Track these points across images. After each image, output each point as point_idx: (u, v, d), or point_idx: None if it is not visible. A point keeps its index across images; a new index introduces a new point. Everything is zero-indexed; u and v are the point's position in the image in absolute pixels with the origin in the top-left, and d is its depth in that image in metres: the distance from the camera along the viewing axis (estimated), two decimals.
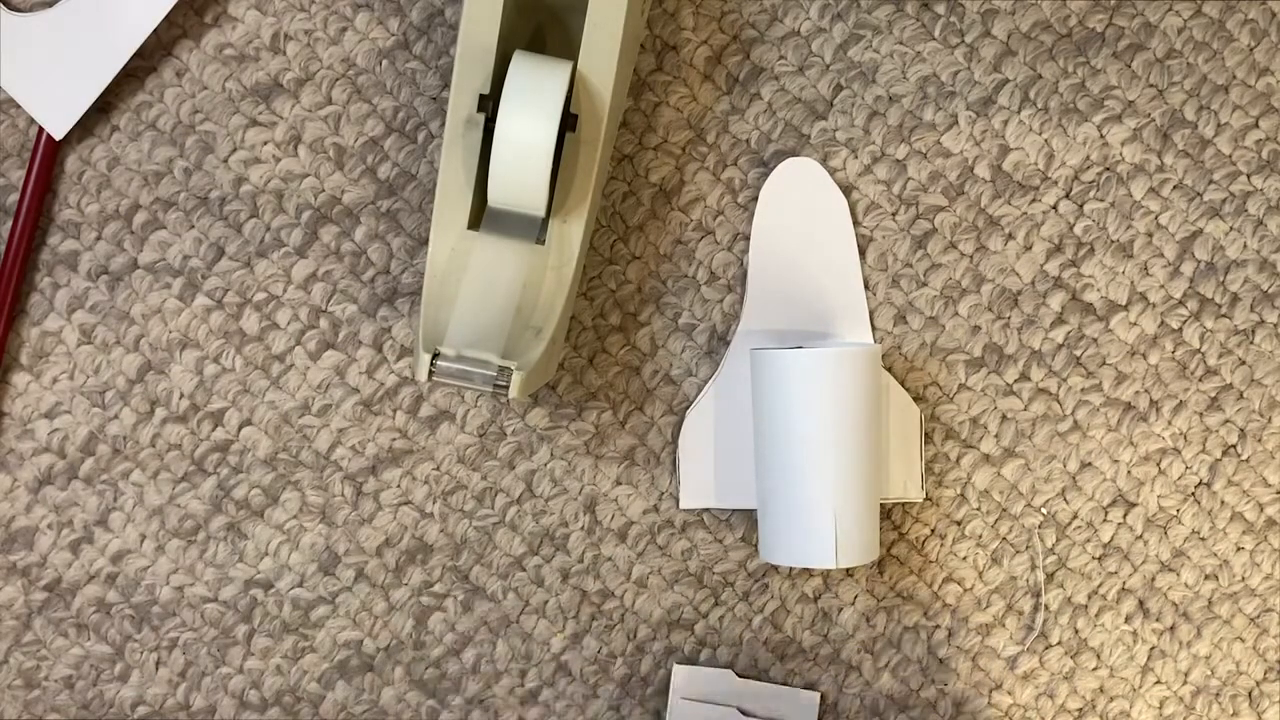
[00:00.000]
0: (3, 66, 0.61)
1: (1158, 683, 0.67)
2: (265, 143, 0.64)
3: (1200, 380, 0.66)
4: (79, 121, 0.63)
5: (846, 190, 0.65)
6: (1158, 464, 0.66)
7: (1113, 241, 0.66)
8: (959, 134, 0.65)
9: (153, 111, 0.63)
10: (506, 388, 0.54)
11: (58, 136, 0.62)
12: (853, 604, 0.66)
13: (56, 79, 0.62)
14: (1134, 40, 0.65)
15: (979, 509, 0.66)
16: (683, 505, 0.65)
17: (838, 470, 0.60)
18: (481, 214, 0.58)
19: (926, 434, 0.66)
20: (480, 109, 0.56)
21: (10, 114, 0.63)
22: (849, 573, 0.66)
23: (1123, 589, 0.67)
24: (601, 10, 0.56)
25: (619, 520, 0.65)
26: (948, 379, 0.66)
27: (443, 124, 0.62)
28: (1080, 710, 0.67)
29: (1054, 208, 0.65)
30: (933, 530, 0.66)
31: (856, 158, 0.65)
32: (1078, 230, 0.65)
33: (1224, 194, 0.66)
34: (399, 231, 0.64)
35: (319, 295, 0.64)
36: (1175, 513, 0.67)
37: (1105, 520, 0.66)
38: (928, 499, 0.66)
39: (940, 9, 0.65)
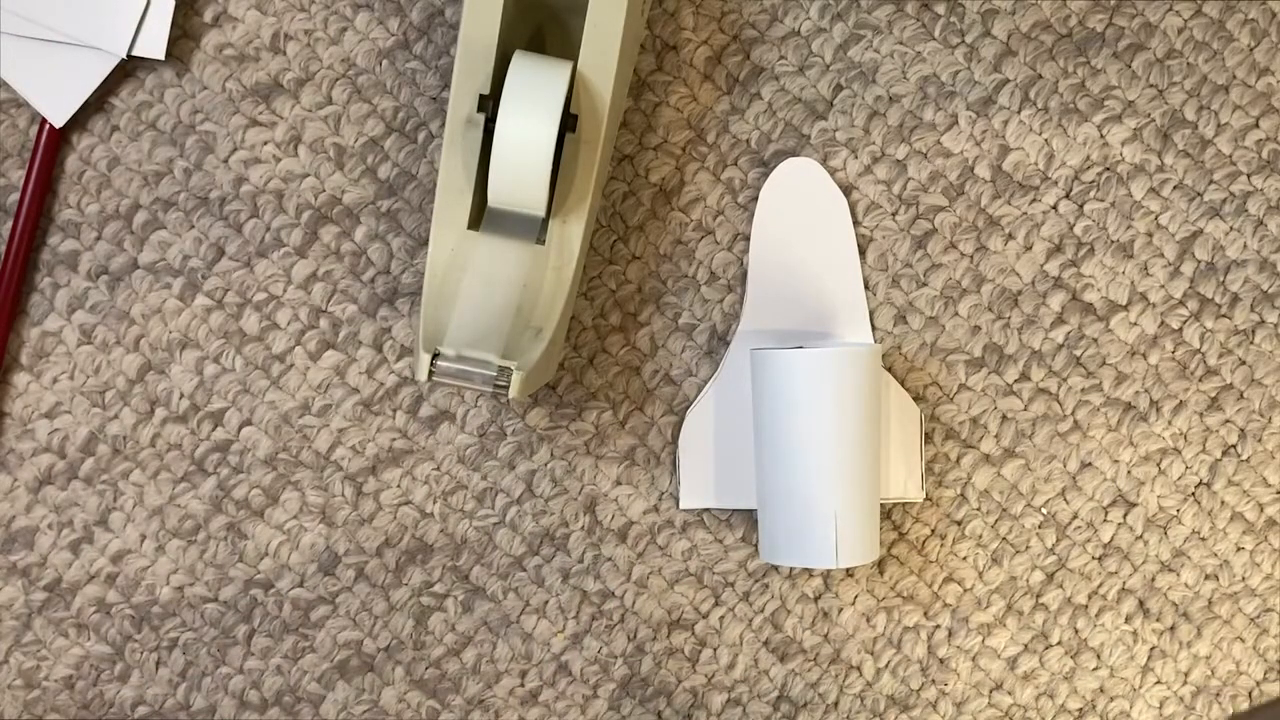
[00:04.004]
0: (2, 54, 0.61)
1: (1158, 683, 0.67)
2: (265, 143, 0.64)
3: (1200, 380, 0.66)
4: (79, 122, 0.63)
5: (846, 190, 0.65)
6: (1158, 464, 0.66)
7: (1113, 241, 0.66)
8: (959, 134, 0.65)
9: (153, 111, 0.63)
10: (506, 388, 0.54)
11: (58, 125, 0.62)
12: (853, 604, 0.66)
13: (56, 66, 0.62)
14: (1134, 40, 0.65)
15: (979, 509, 0.66)
16: (683, 505, 0.65)
17: (838, 470, 0.60)
18: (481, 214, 0.58)
19: (926, 434, 0.66)
20: (480, 109, 0.56)
21: (10, 114, 0.63)
22: (849, 573, 0.66)
23: (1123, 589, 0.67)
24: (601, 10, 0.56)
25: (619, 520, 0.65)
26: (948, 379, 0.66)
27: (443, 124, 0.62)
28: (1080, 710, 0.67)
29: (1054, 208, 0.65)
30: (933, 530, 0.66)
31: (856, 158, 0.65)
32: (1078, 230, 0.65)
33: (1224, 194, 0.66)
34: (399, 231, 0.64)
35: (319, 295, 0.64)
36: (1175, 513, 0.67)
37: (1105, 520, 0.66)
38: (928, 499, 0.66)
39: (940, 9, 0.65)
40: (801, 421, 0.60)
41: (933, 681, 0.66)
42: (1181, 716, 0.67)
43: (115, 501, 0.64)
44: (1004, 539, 0.66)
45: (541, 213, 0.56)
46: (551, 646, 0.66)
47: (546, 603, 0.65)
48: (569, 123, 0.56)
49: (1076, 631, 0.67)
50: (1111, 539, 0.67)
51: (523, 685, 0.66)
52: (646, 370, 0.65)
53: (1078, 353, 0.66)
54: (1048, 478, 0.66)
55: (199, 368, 0.64)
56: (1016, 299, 0.65)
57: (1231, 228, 0.66)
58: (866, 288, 0.65)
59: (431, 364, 0.54)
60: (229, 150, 0.64)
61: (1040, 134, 0.65)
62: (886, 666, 0.66)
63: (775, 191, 0.64)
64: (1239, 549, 0.67)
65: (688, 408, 0.65)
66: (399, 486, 0.65)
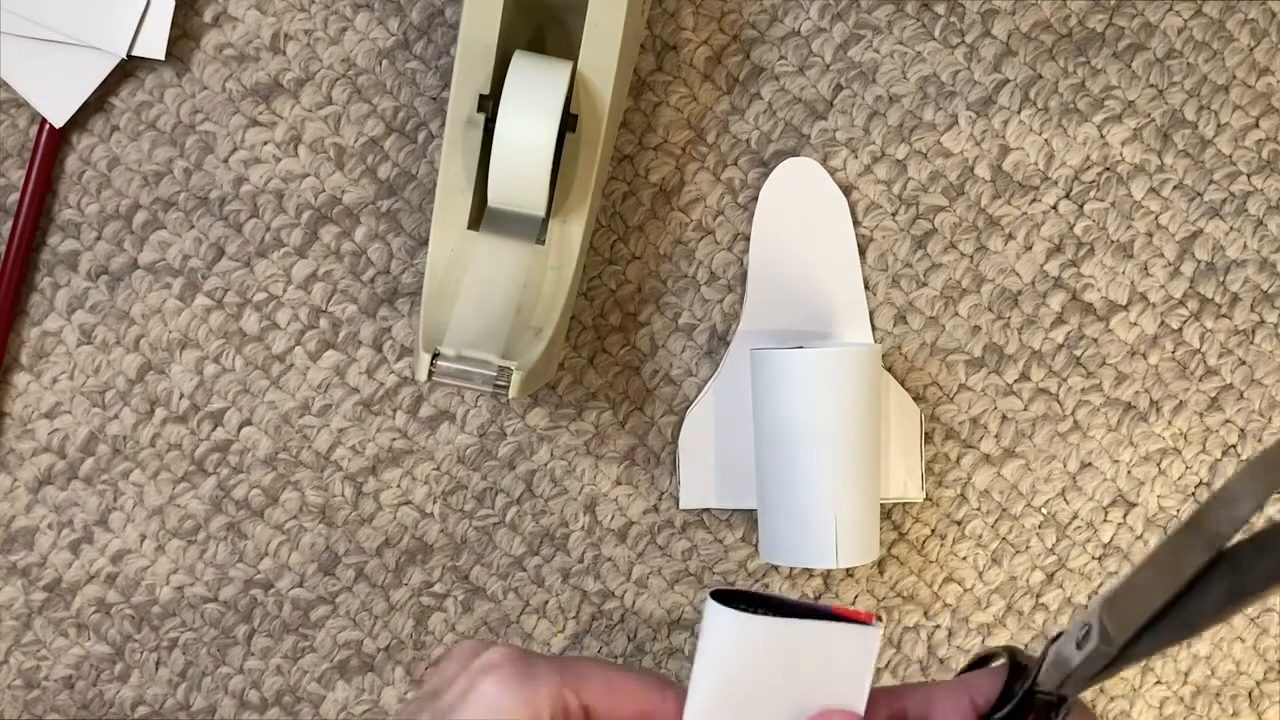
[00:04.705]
0: (2, 54, 0.61)
1: (1158, 683, 0.67)
2: (265, 143, 0.64)
3: (1200, 380, 0.66)
4: (79, 122, 0.63)
5: (846, 190, 0.65)
6: (1158, 464, 0.66)
7: (1113, 241, 0.66)
8: (959, 134, 0.65)
9: (153, 111, 0.63)
10: (506, 388, 0.54)
11: (58, 125, 0.62)
12: (853, 604, 0.66)
13: (56, 66, 0.62)
14: (1134, 40, 0.65)
15: (979, 509, 0.66)
16: (683, 505, 0.65)
17: (838, 470, 0.60)
18: (481, 214, 0.58)
19: (926, 434, 0.66)
20: (480, 109, 0.56)
21: (10, 114, 0.63)
22: (849, 573, 0.66)
23: None
24: (601, 10, 0.56)
25: (619, 520, 0.65)
26: (948, 379, 0.66)
27: (443, 124, 0.61)
28: None
29: (1054, 208, 0.65)
30: (933, 530, 0.66)
31: (856, 158, 0.65)
32: (1078, 230, 0.65)
33: (1224, 194, 0.66)
34: (399, 231, 0.64)
35: (319, 295, 0.64)
36: (1175, 513, 0.67)
37: (1105, 520, 0.66)
38: (928, 499, 0.66)
39: (940, 9, 0.65)
40: (801, 421, 0.60)
41: (933, 681, 0.66)
42: (1181, 716, 0.67)
43: (115, 501, 0.64)
44: (1004, 539, 0.66)
45: (541, 213, 0.56)
46: (551, 646, 0.66)
47: (546, 603, 0.65)
48: (569, 123, 0.56)
49: None
50: (1111, 539, 0.67)
51: None
52: (646, 370, 0.65)
53: (1078, 353, 0.66)
54: (1048, 478, 0.66)
55: (199, 368, 0.64)
56: (1016, 299, 0.65)
57: (1231, 228, 0.66)
58: (866, 288, 0.65)
59: (431, 364, 0.54)
60: (229, 150, 0.64)
61: (1040, 134, 0.65)
62: (886, 666, 0.66)
63: (775, 191, 0.64)
64: None
65: (688, 408, 0.65)
66: (399, 486, 0.65)
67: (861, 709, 0.44)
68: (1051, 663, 0.43)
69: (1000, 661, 0.46)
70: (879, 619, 0.44)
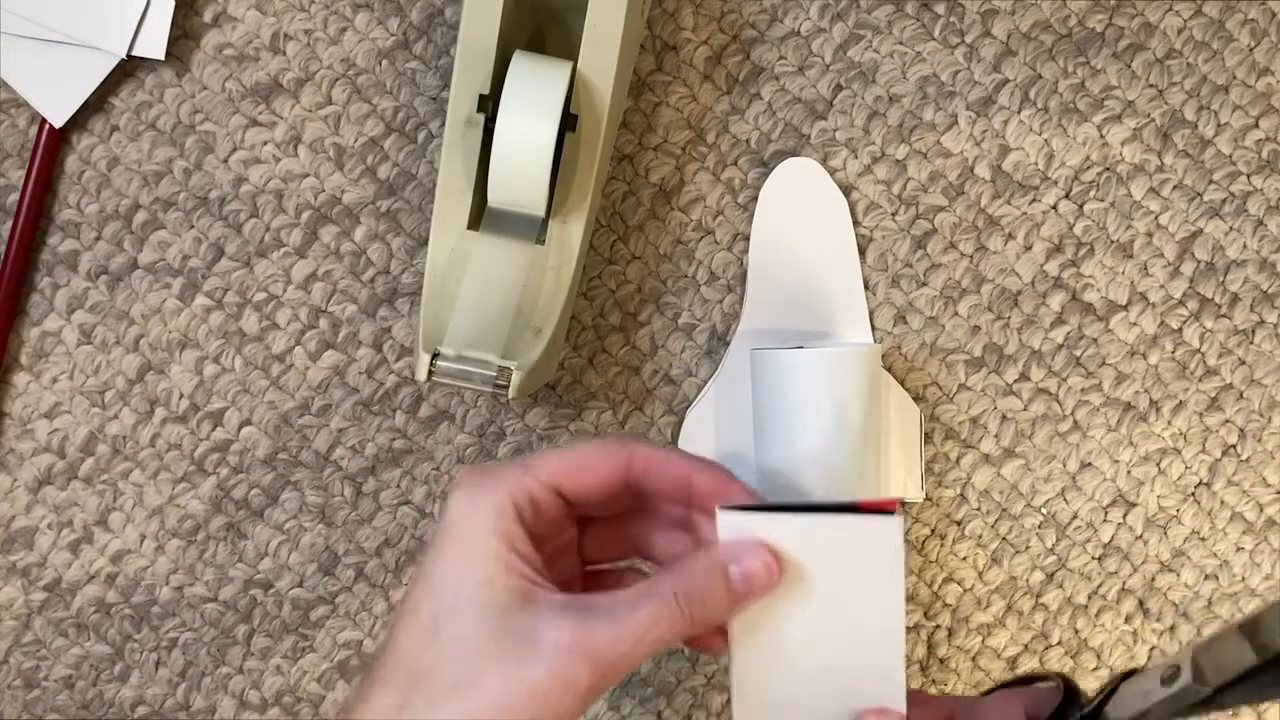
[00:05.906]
0: (2, 54, 0.61)
1: None
2: (265, 143, 0.64)
3: (1200, 380, 0.66)
4: (79, 122, 0.63)
5: (846, 190, 0.65)
6: (1158, 464, 0.66)
7: (1113, 241, 0.66)
8: (959, 134, 0.65)
9: (153, 111, 0.63)
10: (506, 387, 0.54)
11: (58, 125, 0.62)
12: None
13: (56, 66, 0.62)
14: (1134, 40, 0.65)
15: (979, 509, 0.66)
16: None
17: (838, 470, 0.60)
18: (481, 214, 0.58)
19: (926, 434, 0.66)
20: (480, 109, 0.56)
21: (10, 114, 0.63)
22: None
23: (1123, 589, 0.67)
24: (601, 10, 0.56)
25: None
26: (948, 379, 0.66)
27: (443, 124, 0.62)
28: None
29: (1054, 208, 0.65)
30: (933, 530, 0.66)
31: (856, 158, 0.65)
32: (1078, 230, 0.65)
33: (1224, 194, 0.66)
34: (399, 231, 0.64)
35: (319, 295, 0.64)
36: (1175, 513, 0.67)
37: (1105, 520, 0.66)
38: (928, 499, 0.66)
39: (940, 9, 0.65)
40: (801, 421, 0.60)
41: (933, 681, 0.66)
42: None
43: (115, 501, 0.64)
44: (1004, 539, 0.66)
45: (541, 213, 0.56)
46: None
47: None
48: (569, 123, 0.56)
49: (1076, 631, 0.67)
50: (1111, 539, 0.67)
51: None
52: (646, 370, 0.65)
53: (1078, 353, 0.66)
54: (1048, 478, 0.66)
55: (199, 368, 0.64)
56: (1016, 299, 0.65)
57: (1231, 228, 0.66)
58: (866, 288, 0.65)
59: (431, 364, 0.54)
60: (229, 150, 0.64)
61: (1040, 134, 0.65)
62: None
63: (775, 191, 0.64)
64: (1239, 549, 0.67)
65: (688, 408, 0.65)
66: (398, 486, 0.65)
67: (900, 602, 0.45)
68: (1127, 696, 0.43)
69: (1051, 684, 0.47)
70: (902, 504, 0.44)
